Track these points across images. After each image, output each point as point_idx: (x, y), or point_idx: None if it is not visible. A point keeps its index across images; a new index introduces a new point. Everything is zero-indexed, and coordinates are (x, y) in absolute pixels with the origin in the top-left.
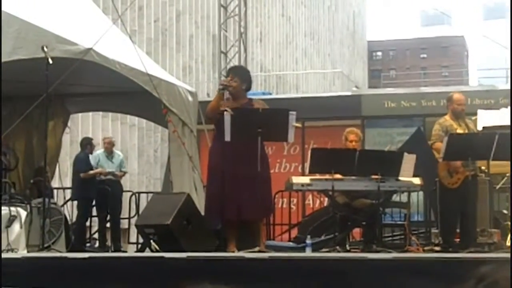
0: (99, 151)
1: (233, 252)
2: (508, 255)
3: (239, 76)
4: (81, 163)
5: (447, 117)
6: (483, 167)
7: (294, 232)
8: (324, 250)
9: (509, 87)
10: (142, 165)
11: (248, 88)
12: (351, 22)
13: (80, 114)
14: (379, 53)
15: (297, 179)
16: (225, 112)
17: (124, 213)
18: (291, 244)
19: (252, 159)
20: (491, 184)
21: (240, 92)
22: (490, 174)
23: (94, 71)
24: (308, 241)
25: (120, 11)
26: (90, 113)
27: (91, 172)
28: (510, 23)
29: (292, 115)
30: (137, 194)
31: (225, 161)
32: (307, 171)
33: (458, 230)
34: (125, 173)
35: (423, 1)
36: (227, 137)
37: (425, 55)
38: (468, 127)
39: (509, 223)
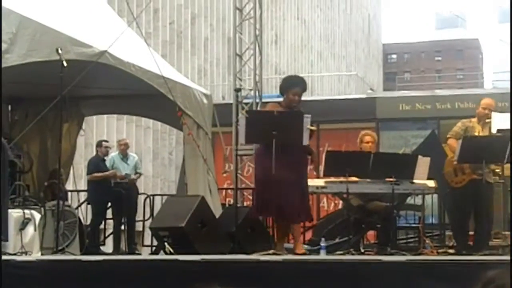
0: (113, 154)
1: (281, 252)
2: None
3: (303, 92)
4: (90, 166)
5: (473, 119)
6: (497, 170)
7: (309, 235)
8: (338, 252)
9: None
10: (157, 167)
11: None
12: (366, 25)
13: (94, 117)
14: (394, 56)
15: (311, 182)
16: (240, 115)
17: (139, 216)
18: (305, 246)
19: (294, 164)
20: (505, 187)
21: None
22: (504, 177)
23: (108, 74)
24: (323, 243)
25: (135, 14)
26: (105, 116)
27: (97, 174)
28: (510, 23)
29: (307, 118)
30: (151, 197)
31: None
32: (321, 173)
33: (472, 233)
34: (140, 174)
35: (438, 4)
36: (242, 140)
37: (440, 58)
38: (491, 133)
39: None
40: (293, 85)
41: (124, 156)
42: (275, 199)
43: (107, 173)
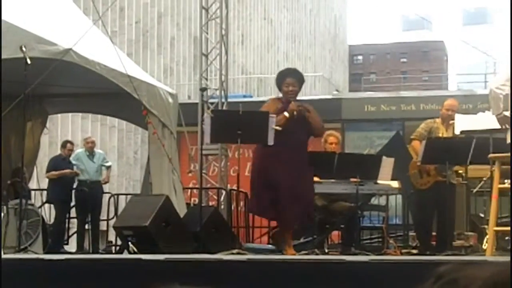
0: (79, 150)
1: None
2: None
3: (298, 80)
4: (49, 164)
5: (438, 120)
6: (460, 171)
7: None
8: (303, 252)
9: (487, 92)
10: (122, 166)
11: (299, 90)
12: (333, 26)
13: (59, 115)
14: (360, 57)
15: None
16: (205, 114)
17: (103, 215)
18: (270, 246)
19: (296, 164)
20: (468, 188)
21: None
22: (467, 178)
23: (73, 72)
24: None
25: (101, 12)
26: (70, 114)
27: (54, 172)
28: (510, 22)
29: (272, 118)
30: (116, 196)
31: (270, 165)
32: None
33: (435, 233)
34: (109, 167)
35: (404, 6)
36: (207, 139)
37: (405, 60)
38: (455, 134)
39: (486, 226)
40: (283, 76)
41: (91, 153)
42: (274, 203)
43: (64, 171)
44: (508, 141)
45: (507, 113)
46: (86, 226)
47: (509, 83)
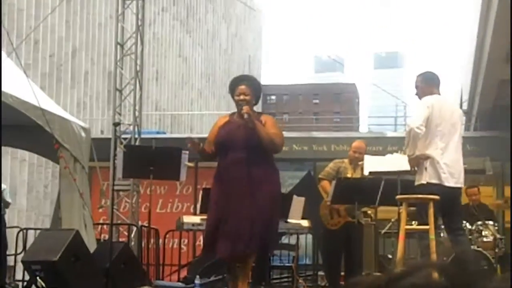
0: None
1: None
2: None
3: (253, 89)
4: None
5: (346, 160)
6: (369, 211)
7: (184, 272)
8: None
9: (396, 135)
10: (31, 201)
11: (256, 101)
12: (247, 66)
13: None
14: (273, 97)
15: (188, 219)
16: (118, 149)
17: (11, 250)
18: (180, 284)
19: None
20: (376, 229)
21: (250, 106)
22: (376, 219)
23: None
24: (197, 281)
25: (15, 44)
26: None
27: None
28: (510, 24)
29: (185, 154)
30: (24, 230)
31: (221, 192)
32: (198, 211)
33: (343, 273)
34: (9, 203)
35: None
36: (119, 174)
37: (317, 101)
38: (363, 175)
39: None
40: (235, 84)
41: None
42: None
43: None
44: (418, 182)
45: (419, 154)
46: None
47: (425, 124)
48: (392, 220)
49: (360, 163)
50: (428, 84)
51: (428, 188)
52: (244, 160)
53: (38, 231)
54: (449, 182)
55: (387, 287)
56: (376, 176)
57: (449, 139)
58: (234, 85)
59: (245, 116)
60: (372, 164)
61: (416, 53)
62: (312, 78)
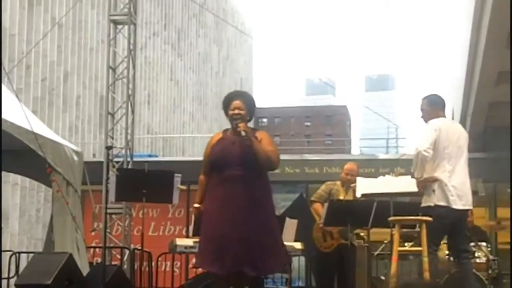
0: None
1: None
2: None
3: (247, 104)
4: None
5: (338, 182)
6: (362, 233)
7: None
8: None
9: (388, 157)
10: (24, 224)
11: (250, 118)
12: (238, 88)
13: None
14: (265, 120)
15: (180, 241)
16: (110, 173)
17: (4, 274)
18: None
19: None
20: (369, 251)
21: (245, 122)
22: (369, 241)
23: None
24: None
25: (7, 68)
26: None
27: None
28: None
29: (177, 178)
30: (17, 254)
31: (217, 209)
32: (191, 233)
33: None
34: None
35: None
36: (112, 197)
37: (309, 123)
38: (356, 197)
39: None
40: (229, 100)
41: None
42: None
43: None
44: (425, 204)
45: (427, 177)
46: None
47: (432, 147)
48: (385, 242)
49: (352, 185)
50: (433, 107)
51: (436, 210)
52: (240, 177)
53: (30, 255)
54: (457, 205)
55: None
56: (369, 198)
57: (456, 162)
58: (228, 100)
59: (242, 133)
60: (364, 186)
61: (407, 75)
62: (303, 100)
